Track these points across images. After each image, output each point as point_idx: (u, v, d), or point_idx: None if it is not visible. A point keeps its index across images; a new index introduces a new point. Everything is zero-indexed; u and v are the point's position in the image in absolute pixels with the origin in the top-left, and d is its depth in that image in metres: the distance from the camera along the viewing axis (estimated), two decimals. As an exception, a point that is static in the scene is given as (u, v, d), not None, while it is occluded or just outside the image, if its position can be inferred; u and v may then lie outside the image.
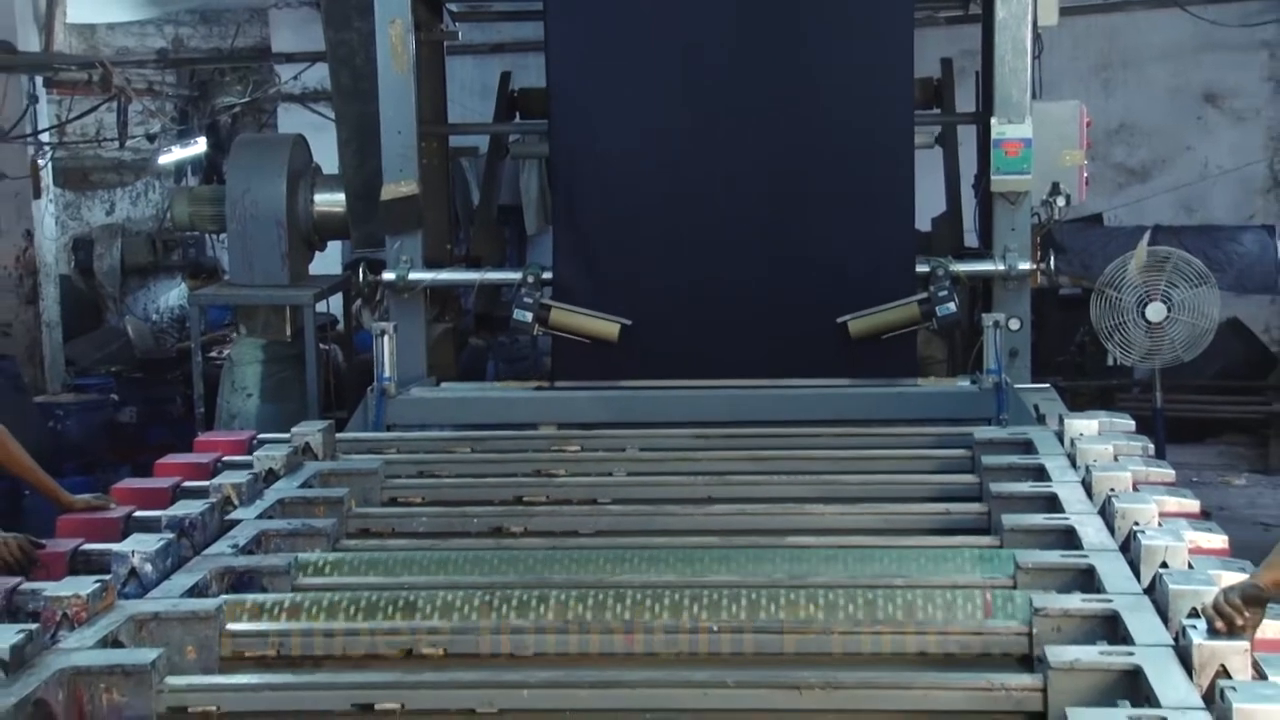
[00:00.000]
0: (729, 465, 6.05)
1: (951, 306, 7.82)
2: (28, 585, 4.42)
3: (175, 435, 9.74)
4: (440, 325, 8.99)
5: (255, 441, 6.24)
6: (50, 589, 4.16)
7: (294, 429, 6.22)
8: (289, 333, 9.43)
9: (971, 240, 9.09)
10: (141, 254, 13.32)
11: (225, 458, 5.96)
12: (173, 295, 13.55)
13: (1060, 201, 8.25)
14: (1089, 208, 11.96)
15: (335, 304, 11.09)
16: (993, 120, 7.98)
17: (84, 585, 4.13)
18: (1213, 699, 3.40)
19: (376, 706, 3.77)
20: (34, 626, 3.83)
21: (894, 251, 8.03)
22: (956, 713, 3.68)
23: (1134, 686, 3.58)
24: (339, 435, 6.52)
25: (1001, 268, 8.05)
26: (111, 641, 3.96)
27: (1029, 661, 3.96)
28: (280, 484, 5.65)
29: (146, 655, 3.80)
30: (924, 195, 8.45)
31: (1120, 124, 14.07)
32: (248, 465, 5.74)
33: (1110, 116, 13.73)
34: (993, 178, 8.03)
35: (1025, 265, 8.04)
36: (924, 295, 7.87)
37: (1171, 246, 9.67)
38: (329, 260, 10.74)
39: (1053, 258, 8.56)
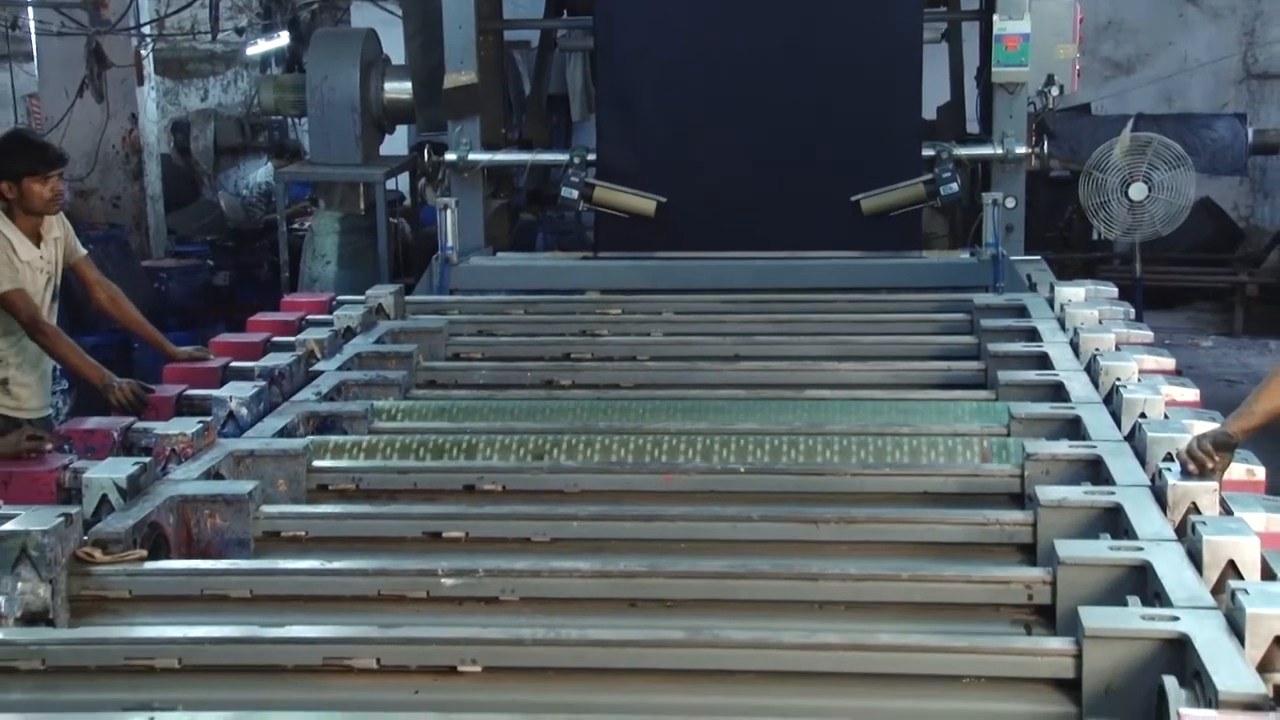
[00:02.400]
0: (754, 327, 6.01)
1: (954, 186, 7.75)
2: (140, 424, 4.48)
3: (263, 296, 9.76)
4: (496, 201, 8.95)
5: (335, 302, 6.25)
6: (160, 428, 4.22)
7: (369, 291, 6.22)
8: (362, 207, 9.43)
9: (973, 127, 8.98)
10: (232, 136, 13.25)
11: (309, 316, 5.97)
12: (260, 173, 13.48)
13: (1054, 91, 8.15)
14: (1078, 98, 11.74)
15: (403, 182, 11.05)
16: (994, 17, 7.84)
17: (189, 425, 4.19)
18: (1184, 532, 3.40)
19: (444, 535, 3.81)
20: (147, 460, 3.89)
21: (903, 137, 7.94)
22: (956, 544, 3.69)
23: (1115, 522, 3.59)
24: (408, 298, 6.50)
25: (1000, 151, 7.98)
26: (213, 474, 4.01)
27: (1020, 500, 3.96)
28: (357, 340, 5.66)
29: (244, 486, 3.85)
30: (930, 86, 8.32)
31: (1109, 21, 13.85)
32: (329, 323, 5.74)
33: (1100, 14, 13.49)
34: (993, 70, 7.92)
35: (1021, 149, 7.97)
36: (929, 176, 7.79)
37: (1152, 133, 9.55)
38: (397, 142, 10.68)
39: (1045, 143, 8.46)
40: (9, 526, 3.29)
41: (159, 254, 11.25)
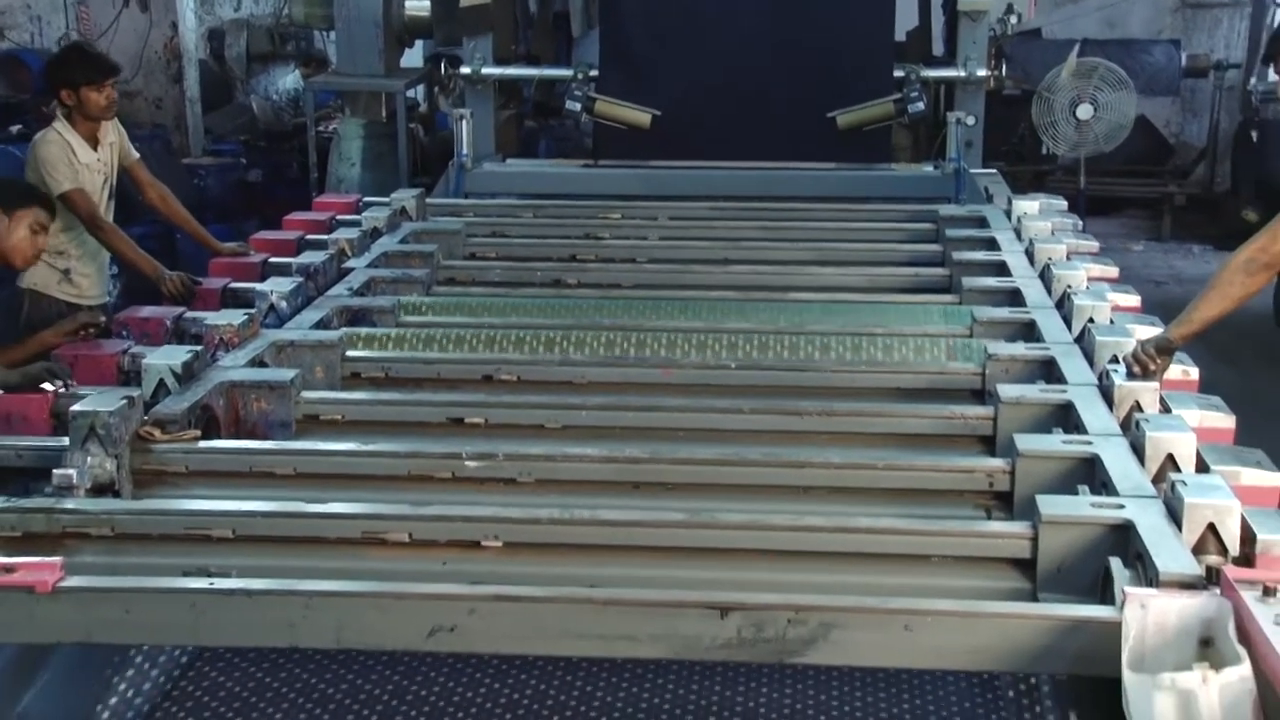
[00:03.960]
0: (741, 232, 5.95)
1: (921, 105, 7.68)
2: (190, 314, 4.45)
3: (292, 193, 9.68)
4: (506, 112, 8.84)
5: (362, 204, 6.18)
6: (209, 318, 4.18)
7: (393, 195, 6.14)
8: (384, 114, 9.32)
9: (938, 49, 8.88)
10: (263, 44, 13.02)
11: (339, 217, 5.92)
12: (288, 80, 13.25)
13: (1013, 20, 8.06)
14: (1030, 23, 11.65)
15: (419, 91, 10.90)
16: (962, -51, 7.75)
17: (235, 316, 4.15)
18: (1129, 427, 3.42)
19: (466, 420, 3.79)
20: (198, 348, 3.86)
21: (875, 59, 7.85)
22: (925, 435, 3.70)
23: (1066, 417, 3.60)
24: (427, 200, 6.44)
25: (963, 74, 7.90)
26: (258, 362, 3.99)
27: (981, 396, 3.94)
28: (383, 240, 5.60)
29: (287, 374, 3.83)
30: (901, 12, 8.22)
31: (1060, -46, 13.71)
32: (358, 224, 5.68)
33: (1053, -54, 13.36)
34: (960, -1, 7.84)
35: (982, 72, 7.88)
36: (899, 95, 7.72)
37: (1098, 58, 9.46)
38: (414, 55, 10.53)
39: (1003, 65, 8.37)
40: (79, 407, 3.29)
41: (197, 152, 11.12)
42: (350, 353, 4.18)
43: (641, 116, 7.85)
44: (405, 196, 6.08)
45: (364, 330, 4.43)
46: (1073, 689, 2.87)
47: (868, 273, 5.31)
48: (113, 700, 2.92)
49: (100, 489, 3.25)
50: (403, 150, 9.15)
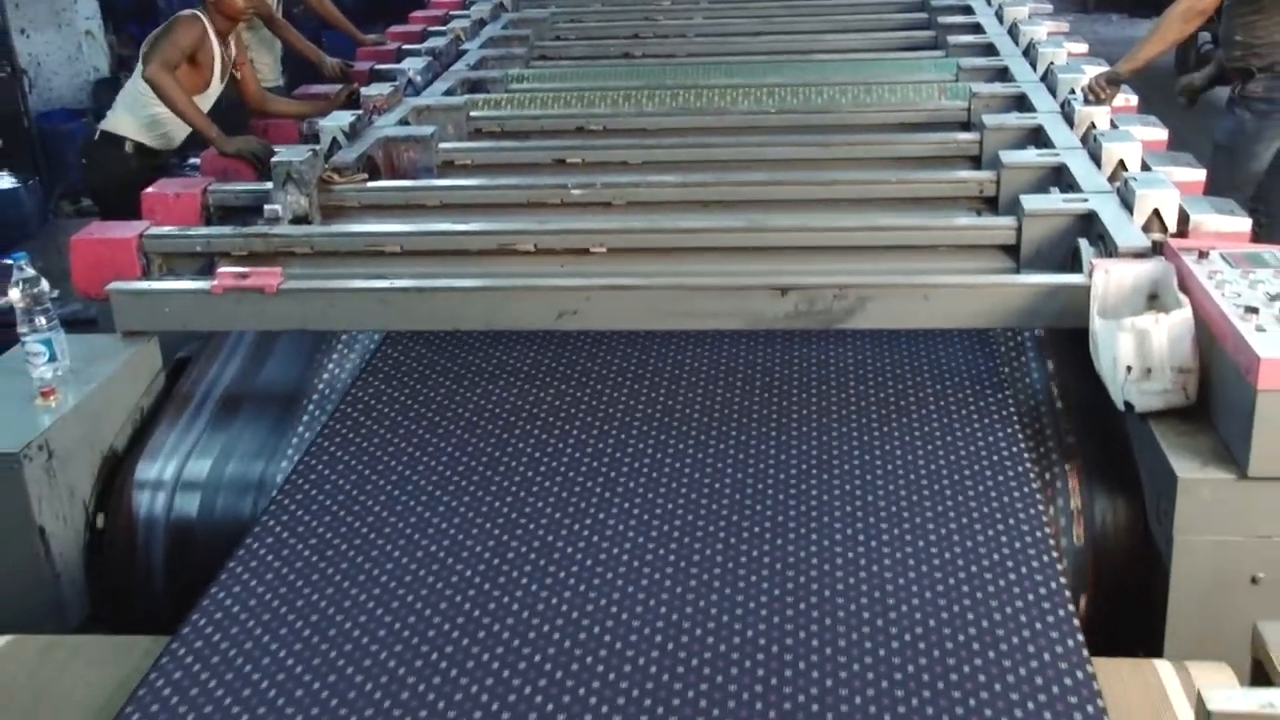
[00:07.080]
0: (769, 12, 5.62)
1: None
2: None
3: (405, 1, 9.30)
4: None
5: (467, 2, 5.92)
6: (364, 90, 4.07)
7: (493, -9, 5.88)
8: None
9: None
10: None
11: (451, 12, 5.67)
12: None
13: None
14: None
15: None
16: None
17: (385, 88, 4.03)
18: (1087, 141, 3.30)
19: (567, 161, 3.70)
20: (359, 112, 3.77)
21: None
22: (926, 158, 3.58)
23: (1038, 138, 3.47)
24: (516, -5, 6.15)
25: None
26: (404, 122, 3.89)
27: (968, 126, 3.79)
28: (488, 27, 5.37)
29: (428, 129, 3.72)
30: None
31: None
32: (467, 16, 5.44)
33: None
34: None
35: None
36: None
37: None
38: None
39: None
40: (277, 159, 3.24)
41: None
42: (473, 113, 4.06)
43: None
44: (502, -8, 5.81)
45: (481, 96, 4.27)
46: (1049, 343, 2.86)
47: (871, 37, 5.07)
48: (324, 376, 2.96)
49: (298, 220, 3.22)
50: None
